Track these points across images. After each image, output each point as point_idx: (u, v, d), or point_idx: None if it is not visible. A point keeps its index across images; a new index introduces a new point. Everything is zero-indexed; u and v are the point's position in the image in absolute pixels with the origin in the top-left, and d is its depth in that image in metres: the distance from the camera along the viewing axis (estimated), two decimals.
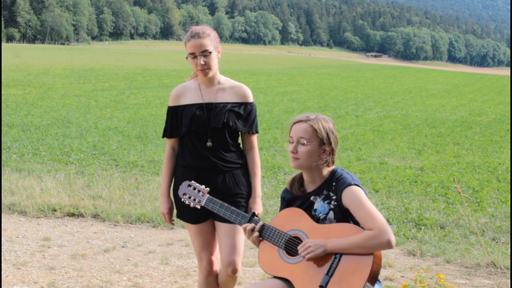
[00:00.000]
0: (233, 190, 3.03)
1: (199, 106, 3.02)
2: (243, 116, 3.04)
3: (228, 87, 3.06)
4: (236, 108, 3.02)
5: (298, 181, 2.66)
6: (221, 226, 3.06)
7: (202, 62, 2.93)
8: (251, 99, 3.08)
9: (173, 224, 3.22)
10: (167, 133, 3.12)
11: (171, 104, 3.12)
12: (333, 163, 2.62)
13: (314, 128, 2.55)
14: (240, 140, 3.15)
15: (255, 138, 3.12)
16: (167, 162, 3.14)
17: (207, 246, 3.14)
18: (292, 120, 2.63)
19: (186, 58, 3.00)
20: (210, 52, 2.94)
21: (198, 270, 3.25)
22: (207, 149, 3.01)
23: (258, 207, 3.08)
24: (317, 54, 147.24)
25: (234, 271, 3.05)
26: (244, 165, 3.10)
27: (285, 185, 2.74)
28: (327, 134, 2.56)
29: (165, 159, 3.15)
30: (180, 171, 3.09)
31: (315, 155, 2.55)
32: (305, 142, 2.54)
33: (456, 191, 7.66)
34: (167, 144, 3.16)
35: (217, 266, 3.19)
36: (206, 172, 3.02)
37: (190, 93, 3.06)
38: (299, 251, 2.44)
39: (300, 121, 2.58)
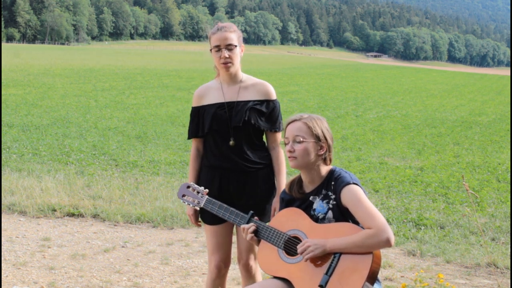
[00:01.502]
0: (256, 191, 3.01)
1: (221, 105, 3.00)
2: (265, 113, 3.01)
3: (251, 85, 3.04)
4: (258, 106, 2.99)
5: (297, 183, 2.66)
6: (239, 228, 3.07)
7: (226, 55, 2.92)
8: (274, 96, 3.05)
9: (199, 225, 3.17)
10: (191, 134, 3.10)
11: (194, 104, 3.10)
12: (330, 160, 2.62)
13: (309, 126, 2.55)
14: (264, 139, 3.12)
15: (279, 135, 3.08)
16: (192, 163, 3.12)
17: (219, 249, 3.11)
18: (286, 121, 2.63)
19: (210, 50, 2.99)
20: (235, 46, 2.94)
21: (207, 271, 3.25)
22: (230, 149, 2.98)
23: None
24: (317, 54, 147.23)
25: (246, 265, 3.09)
26: (267, 165, 3.06)
27: (285, 186, 2.74)
28: (322, 131, 2.57)
29: (191, 160, 3.14)
30: (204, 171, 3.08)
31: (313, 152, 2.55)
32: (301, 139, 2.54)
33: (456, 191, 7.67)
34: (192, 145, 3.14)
35: (225, 271, 3.18)
36: (229, 173, 2.99)
37: (213, 92, 3.05)
38: (298, 251, 2.44)
39: (294, 120, 2.59)
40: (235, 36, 2.96)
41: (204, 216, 3.10)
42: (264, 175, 3.04)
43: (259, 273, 3.17)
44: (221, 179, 2.99)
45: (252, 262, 3.10)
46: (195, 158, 3.12)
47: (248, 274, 3.13)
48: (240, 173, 2.99)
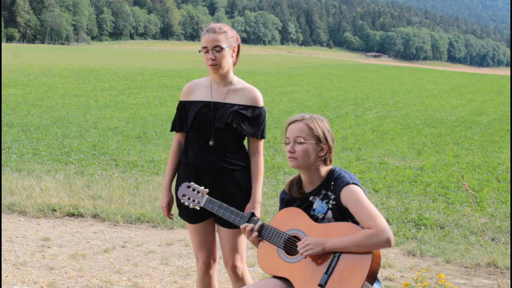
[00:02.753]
0: (231, 192, 3.01)
1: (206, 103, 3.01)
2: (249, 119, 3.01)
3: (239, 89, 3.04)
4: (243, 111, 2.99)
5: (297, 183, 2.66)
6: (222, 230, 3.08)
7: (213, 57, 2.92)
8: (261, 103, 3.04)
9: (171, 218, 3.21)
10: (174, 127, 3.13)
11: (181, 98, 3.12)
12: (330, 161, 2.62)
13: (310, 127, 2.55)
14: (246, 144, 3.13)
15: (261, 143, 3.08)
16: (172, 156, 3.15)
17: (203, 246, 3.14)
18: (287, 121, 2.62)
19: (199, 51, 3.01)
20: (222, 48, 2.93)
21: (196, 270, 3.25)
22: (209, 149, 2.99)
23: (255, 213, 3.01)
24: (317, 54, 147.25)
25: (233, 267, 3.08)
26: (246, 167, 3.06)
27: (284, 187, 2.74)
28: (323, 132, 2.56)
29: (171, 153, 3.16)
30: (182, 168, 3.10)
31: (313, 153, 2.55)
32: (302, 140, 2.54)
33: (456, 191, 7.67)
34: (175, 138, 3.17)
35: (214, 267, 3.20)
36: (205, 172, 3.01)
37: (201, 90, 3.07)
38: (298, 248, 2.44)
39: (295, 121, 2.58)
40: (224, 37, 2.94)
41: (183, 215, 3.12)
42: (240, 176, 3.03)
43: (247, 275, 3.16)
44: (198, 177, 3.00)
45: (239, 263, 3.10)
46: (176, 151, 3.14)
47: (236, 276, 3.13)
48: (216, 173, 3.00)
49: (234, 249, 3.08)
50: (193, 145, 3.04)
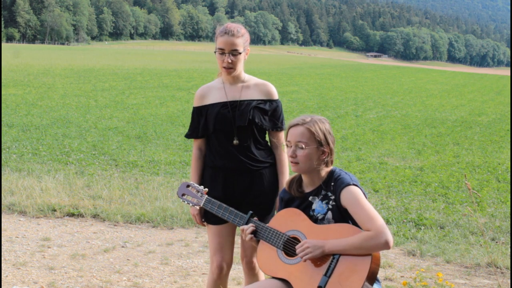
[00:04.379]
0: (261, 190, 3.00)
1: (224, 104, 2.99)
2: (268, 112, 3.01)
3: (253, 85, 3.03)
4: (262, 105, 2.99)
5: (297, 182, 2.66)
6: None
7: (229, 61, 2.91)
8: (276, 96, 3.05)
9: (204, 225, 3.14)
10: (193, 134, 3.08)
11: (195, 104, 3.09)
12: (331, 163, 2.62)
13: (312, 131, 2.54)
14: (267, 138, 3.12)
15: (281, 134, 3.08)
16: (195, 164, 3.10)
17: (221, 249, 3.10)
18: (288, 124, 2.61)
19: (215, 52, 2.97)
20: (240, 53, 2.92)
21: (209, 271, 3.25)
22: (235, 148, 2.98)
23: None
24: (317, 54, 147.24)
25: (249, 262, 3.12)
26: (272, 164, 3.06)
27: (284, 186, 2.74)
28: (325, 136, 2.56)
29: (193, 161, 3.12)
30: (208, 172, 3.06)
31: (314, 157, 2.54)
32: (303, 145, 2.53)
33: (456, 191, 7.67)
34: (194, 145, 3.13)
35: (227, 272, 3.16)
36: (234, 173, 2.99)
37: (215, 92, 3.05)
38: (297, 252, 2.44)
39: (296, 124, 2.57)
40: (241, 41, 2.93)
41: (207, 215, 3.09)
42: (269, 174, 3.04)
43: (261, 272, 3.17)
44: (226, 179, 2.99)
45: (256, 260, 3.11)
46: (198, 158, 3.10)
47: (252, 272, 3.14)
48: (245, 173, 2.99)
49: (255, 247, 3.05)
50: (217, 147, 3.01)
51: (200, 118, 3.05)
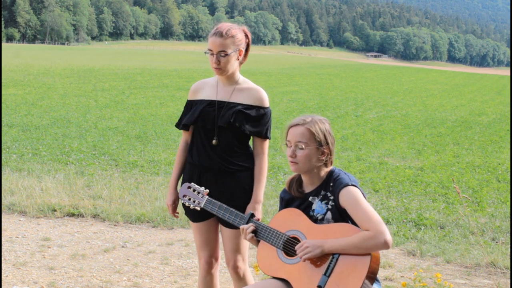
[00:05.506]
0: (233, 193, 2.99)
1: (211, 102, 3.01)
2: (253, 118, 2.98)
3: (245, 88, 3.03)
4: (247, 110, 2.97)
5: (296, 182, 2.66)
6: (224, 230, 3.08)
7: (216, 62, 2.92)
8: (266, 104, 3.02)
9: (177, 216, 3.22)
10: (178, 125, 3.14)
11: (189, 97, 3.15)
12: (331, 163, 2.62)
13: (312, 132, 2.54)
14: (251, 144, 3.12)
15: (265, 143, 3.06)
16: (179, 155, 3.16)
17: (206, 245, 3.15)
18: (288, 124, 2.61)
19: (205, 53, 2.99)
20: (227, 54, 2.90)
21: (198, 268, 3.26)
22: (213, 148, 2.99)
23: (256, 214, 2.98)
24: (317, 54, 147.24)
25: (234, 267, 3.08)
26: (249, 168, 3.03)
27: (285, 185, 2.74)
28: (325, 136, 2.56)
29: (178, 152, 3.18)
30: (187, 167, 3.11)
31: (314, 157, 2.55)
32: (303, 146, 2.53)
33: (455, 191, 7.67)
34: (182, 138, 3.18)
35: (216, 266, 3.20)
36: (209, 172, 3.00)
37: (208, 89, 3.08)
38: (297, 252, 2.44)
39: (297, 124, 2.57)
40: (230, 42, 2.90)
41: (188, 213, 3.13)
42: (243, 177, 3.01)
43: (249, 275, 3.15)
44: (200, 176, 3.01)
45: (240, 264, 3.10)
46: (183, 150, 3.16)
47: (237, 276, 3.13)
48: (218, 172, 2.99)
49: (236, 250, 3.07)
50: (197, 144, 3.05)
51: (188, 111, 3.09)
